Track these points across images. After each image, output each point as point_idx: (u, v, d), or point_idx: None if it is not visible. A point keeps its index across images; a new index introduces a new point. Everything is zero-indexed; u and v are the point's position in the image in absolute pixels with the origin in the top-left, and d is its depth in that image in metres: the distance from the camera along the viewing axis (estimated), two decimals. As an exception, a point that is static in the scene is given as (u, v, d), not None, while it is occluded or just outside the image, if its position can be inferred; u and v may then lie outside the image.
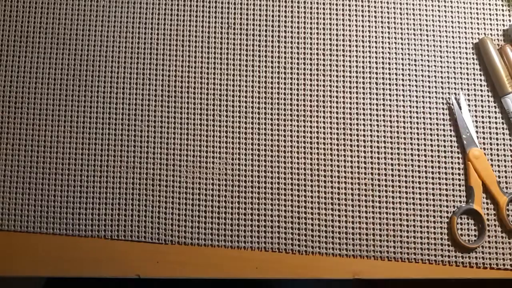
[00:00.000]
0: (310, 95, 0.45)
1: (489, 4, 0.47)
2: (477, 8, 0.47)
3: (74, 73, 0.46)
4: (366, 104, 0.45)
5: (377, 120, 0.45)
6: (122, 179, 0.44)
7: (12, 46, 0.46)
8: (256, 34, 0.46)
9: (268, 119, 0.45)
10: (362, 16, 0.47)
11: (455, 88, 0.45)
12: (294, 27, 0.46)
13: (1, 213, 0.44)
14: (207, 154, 0.44)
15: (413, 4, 0.47)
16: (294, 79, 0.45)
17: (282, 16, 0.47)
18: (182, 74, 0.46)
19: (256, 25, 0.47)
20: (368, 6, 0.47)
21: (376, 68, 0.46)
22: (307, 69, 0.46)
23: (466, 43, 0.46)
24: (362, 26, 0.46)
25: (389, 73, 0.46)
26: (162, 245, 0.43)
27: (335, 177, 0.44)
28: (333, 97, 0.45)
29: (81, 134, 0.45)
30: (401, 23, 0.46)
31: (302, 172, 0.44)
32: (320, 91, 0.45)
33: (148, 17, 0.47)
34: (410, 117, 0.45)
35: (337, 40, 0.46)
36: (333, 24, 0.46)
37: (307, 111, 0.45)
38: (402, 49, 0.46)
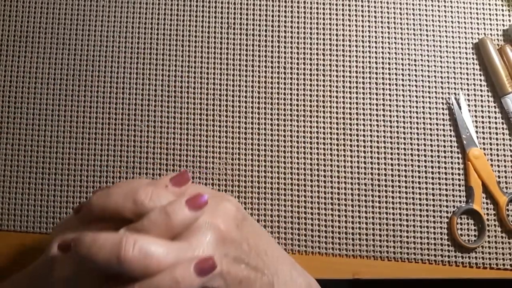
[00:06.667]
0: (310, 95, 0.45)
1: (489, 4, 0.47)
2: (477, 8, 0.47)
3: (74, 73, 0.46)
4: (366, 104, 0.45)
5: (377, 120, 0.45)
6: (122, 179, 0.44)
7: (12, 46, 0.46)
8: (256, 34, 0.46)
9: (268, 119, 0.45)
10: (362, 16, 0.47)
11: (455, 88, 0.45)
12: (294, 27, 0.46)
13: (0, 213, 0.44)
14: (207, 154, 0.44)
15: (413, 4, 0.47)
16: (294, 79, 0.45)
17: (282, 16, 0.47)
18: (182, 74, 0.46)
19: (256, 25, 0.47)
20: (368, 6, 0.47)
21: (376, 68, 0.46)
22: (307, 69, 0.46)
23: (466, 43, 0.46)
24: (362, 26, 0.46)
25: (389, 73, 0.46)
26: (162, 245, 0.43)
27: (335, 177, 0.44)
28: (333, 97, 0.45)
29: (81, 134, 0.45)
30: (401, 23, 0.46)
31: (302, 172, 0.44)
32: (320, 91, 0.45)
33: (148, 17, 0.47)
34: (410, 117, 0.45)
35: (337, 40, 0.46)
36: (333, 24, 0.46)
37: (307, 111, 0.45)
38: (402, 49, 0.46)
